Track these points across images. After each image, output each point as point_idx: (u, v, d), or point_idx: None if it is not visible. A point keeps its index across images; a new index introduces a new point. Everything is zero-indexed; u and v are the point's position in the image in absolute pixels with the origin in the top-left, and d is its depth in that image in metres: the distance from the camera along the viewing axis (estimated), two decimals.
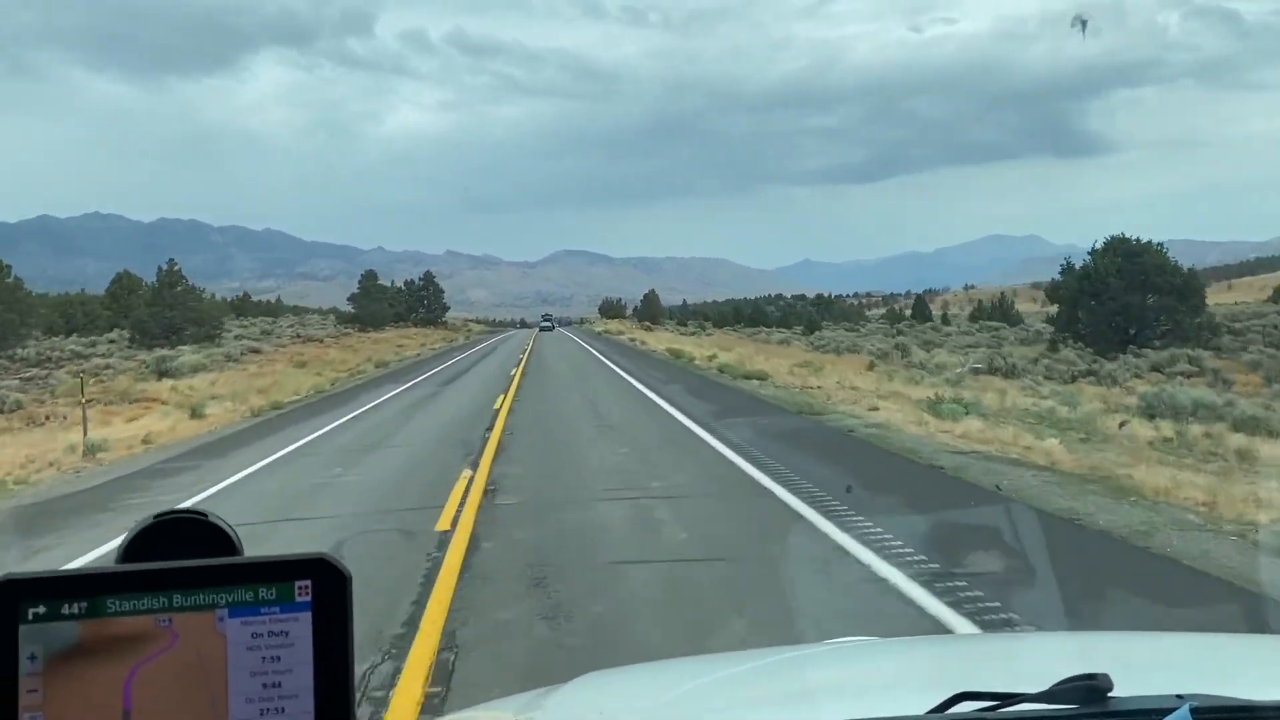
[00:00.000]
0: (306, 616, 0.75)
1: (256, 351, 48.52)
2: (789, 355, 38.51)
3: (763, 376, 24.51)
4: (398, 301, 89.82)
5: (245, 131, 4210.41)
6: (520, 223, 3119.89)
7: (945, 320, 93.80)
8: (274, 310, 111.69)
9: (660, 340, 55.43)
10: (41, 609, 0.71)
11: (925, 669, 1.86)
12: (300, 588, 0.76)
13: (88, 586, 0.72)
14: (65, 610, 0.71)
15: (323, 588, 0.76)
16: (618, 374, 28.63)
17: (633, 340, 60.00)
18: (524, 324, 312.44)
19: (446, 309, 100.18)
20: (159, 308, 51.10)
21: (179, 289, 53.00)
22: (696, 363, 32.76)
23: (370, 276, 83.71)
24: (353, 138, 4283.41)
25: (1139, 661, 1.73)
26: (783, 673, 1.88)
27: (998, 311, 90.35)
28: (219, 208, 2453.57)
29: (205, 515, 0.83)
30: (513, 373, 30.07)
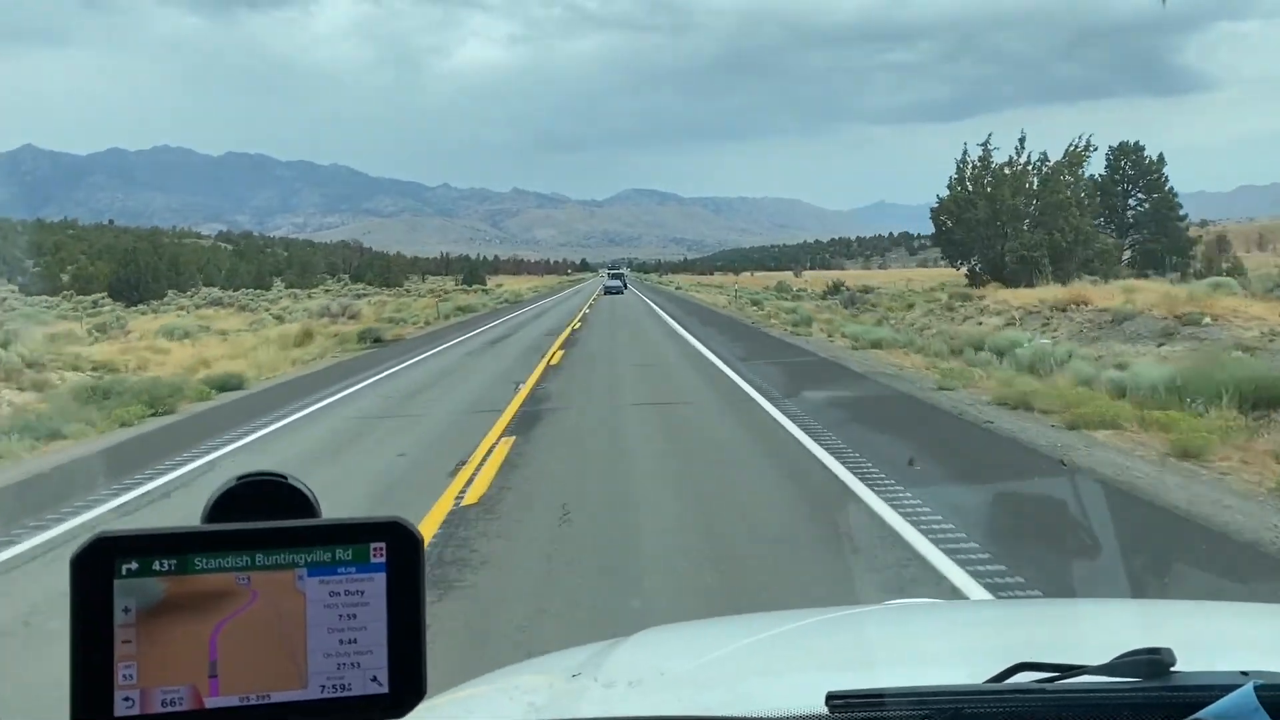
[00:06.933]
0: (381, 577, 0.78)
1: None
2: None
3: None
4: None
5: (313, 65, 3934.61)
6: (588, 161, 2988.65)
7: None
8: None
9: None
10: (134, 565, 0.74)
11: (984, 634, 1.84)
12: (375, 549, 0.78)
13: (176, 545, 0.75)
14: (156, 567, 0.74)
15: (397, 550, 0.79)
16: None
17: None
18: (585, 267, 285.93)
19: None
20: None
21: None
22: None
23: None
24: (420, 72, 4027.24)
25: (1203, 634, 1.70)
26: (840, 632, 1.89)
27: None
28: (286, 142, 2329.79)
29: (285, 478, 0.85)
30: None
